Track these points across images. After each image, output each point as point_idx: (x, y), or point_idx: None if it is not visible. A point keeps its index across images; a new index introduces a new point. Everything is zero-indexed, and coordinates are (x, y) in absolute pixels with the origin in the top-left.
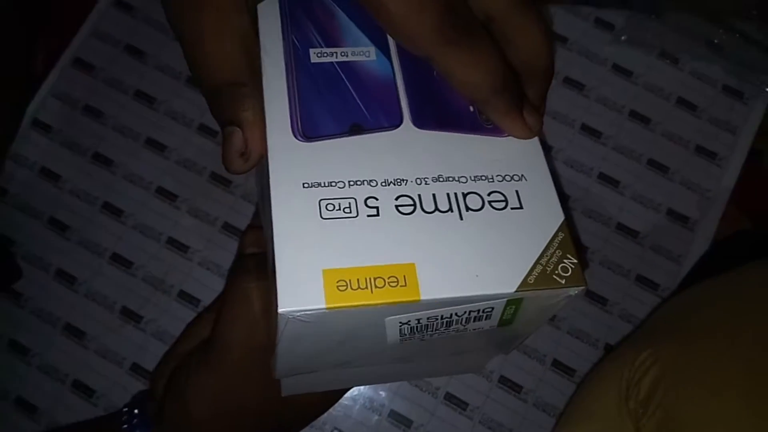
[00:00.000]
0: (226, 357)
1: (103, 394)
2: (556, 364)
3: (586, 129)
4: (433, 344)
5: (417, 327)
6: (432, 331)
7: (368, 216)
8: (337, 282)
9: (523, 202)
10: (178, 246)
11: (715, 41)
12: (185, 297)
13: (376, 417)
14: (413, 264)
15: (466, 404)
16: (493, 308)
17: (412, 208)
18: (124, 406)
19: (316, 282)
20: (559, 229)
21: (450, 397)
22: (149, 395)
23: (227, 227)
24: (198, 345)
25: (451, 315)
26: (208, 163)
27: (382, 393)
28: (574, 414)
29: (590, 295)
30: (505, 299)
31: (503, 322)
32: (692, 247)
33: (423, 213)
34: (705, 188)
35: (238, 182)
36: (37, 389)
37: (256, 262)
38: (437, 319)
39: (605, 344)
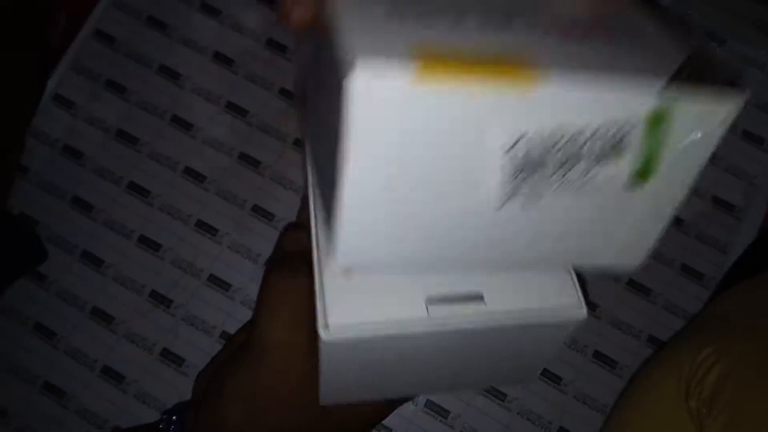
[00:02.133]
0: (265, 358)
1: (134, 380)
2: (598, 355)
3: None
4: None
5: (530, 155)
6: (549, 169)
7: None
8: (429, 60)
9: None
10: (207, 228)
11: (763, 25)
12: (215, 281)
13: (413, 407)
14: (532, 55)
15: (504, 395)
16: (630, 132)
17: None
18: (164, 413)
19: (401, 57)
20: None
21: (488, 388)
22: (189, 404)
23: (257, 210)
24: (237, 349)
25: (578, 134)
26: (237, 143)
27: None
28: (629, 413)
29: (633, 284)
30: (648, 107)
31: (639, 174)
32: (738, 235)
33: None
34: (751, 174)
35: (268, 163)
36: (65, 374)
37: (296, 259)
38: (560, 141)
39: (648, 336)
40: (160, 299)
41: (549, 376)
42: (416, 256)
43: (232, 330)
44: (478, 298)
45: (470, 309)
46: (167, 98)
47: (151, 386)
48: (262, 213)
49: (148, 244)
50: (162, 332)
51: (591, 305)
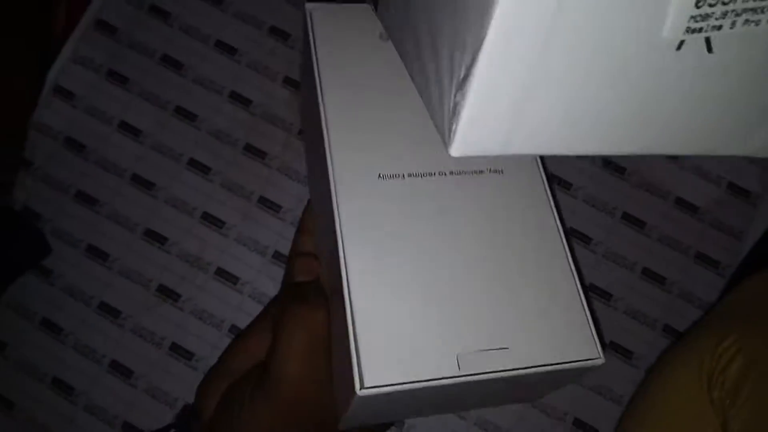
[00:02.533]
0: (283, 390)
1: (143, 375)
2: (613, 346)
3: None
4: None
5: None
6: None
7: None
8: None
9: None
10: (213, 221)
11: None
12: (223, 274)
13: None
14: None
15: None
16: None
17: None
18: (169, 426)
19: None
20: None
21: None
22: (195, 412)
23: (263, 201)
24: (251, 370)
25: None
26: (242, 133)
27: None
28: (649, 405)
29: (647, 273)
30: None
31: None
32: (754, 222)
33: None
34: None
35: (274, 154)
36: (73, 370)
37: (312, 291)
38: None
39: (664, 325)
40: (167, 293)
41: None
42: (554, 126)
43: (241, 324)
44: (504, 351)
45: (498, 363)
46: (170, 88)
47: (160, 381)
48: (268, 204)
49: (154, 237)
50: (170, 326)
51: (605, 295)
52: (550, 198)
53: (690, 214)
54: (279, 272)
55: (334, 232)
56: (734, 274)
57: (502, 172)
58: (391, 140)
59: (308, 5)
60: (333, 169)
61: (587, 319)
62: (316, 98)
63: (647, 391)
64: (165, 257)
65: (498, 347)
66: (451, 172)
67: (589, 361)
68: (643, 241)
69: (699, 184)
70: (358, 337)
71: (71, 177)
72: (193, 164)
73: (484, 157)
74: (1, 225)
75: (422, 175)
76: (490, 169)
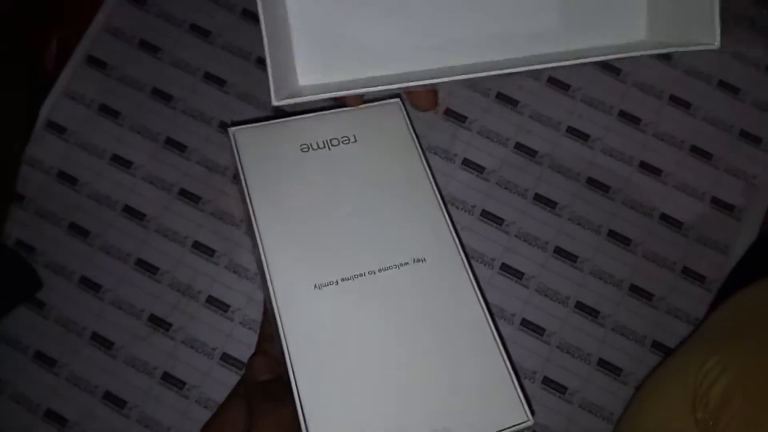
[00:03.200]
0: None
1: (135, 405)
2: (602, 363)
3: (624, 116)
4: None
5: None
6: None
7: None
8: None
9: None
10: (203, 250)
11: (756, 23)
12: (214, 302)
13: None
14: None
15: None
16: None
17: None
18: None
19: None
20: None
21: None
22: None
23: None
24: None
25: None
26: (231, 162)
27: None
28: (637, 423)
29: (635, 290)
30: None
31: None
32: (739, 237)
33: None
34: (751, 174)
35: None
36: (66, 401)
37: (276, 386)
38: None
39: (653, 341)
40: (158, 323)
41: (554, 386)
42: None
43: (232, 351)
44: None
45: None
46: (161, 120)
47: (153, 410)
48: None
49: (146, 267)
50: (162, 356)
51: (593, 313)
52: (470, 275)
53: (675, 230)
54: None
55: (280, 343)
56: (721, 288)
57: (425, 260)
58: (321, 249)
59: (231, 129)
60: (272, 284)
61: (514, 386)
62: (249, 217)
63: (636, 410)
64: (156, 287)
65: (435, 430)
66: (380, 269)
67: (520, 425)
68: (629, 258)
69: (683, 199)
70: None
71: (64, 210)
72: (184, 194)
73: (409, 248)
74: None
75: (354, 278)
76: (413, 259)
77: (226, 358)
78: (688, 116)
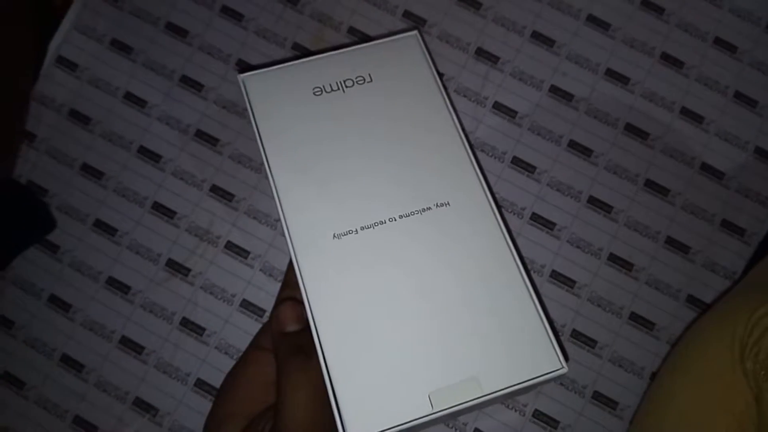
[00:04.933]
0: None
1: (153, 351)
2: (634, 317)
3: (667, 59)
4: None
5: None
6: None
7: None
8: None
9: None
10: (222, 194)
11: None
12: (233, 248)
13: None
14: None
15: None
16: None
17: None
18: None
19: None
20: None
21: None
22: None
23: None
24: (258, 417)
25: None
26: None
27: None
28: (677, 376)
29: (671, 242)
30: None
31: None
32: None
33: None
34: None
35: None
36: (82, 346)
37: (304, 338)
38: None
39: (687, 295)
40: (177, 267)
41: (583, 339)
42: None
43: (252, 298)
44: (474, 381)
45: (467, 394)
46: (175, 57)
47: (171, 356)
48: None
49: (162, 211)
50: (181, 301)
51: (626, 265)
52: (498, 219)
53: (716, 180)
54: None
55: (302, 294)
56: (761, 242)
57: (449, 204)
58: (339, 196)
59: (240, 75)
60: (290, 235)
61: (547, 334)
62: (264, 164)
63: (675, 363)
64: (174, 231)
65: (466, 378)
66: (401, 216)
67: (554, 372)
68: (666, 209)
69: (725, 148)
70: (336, 392)
71: (76, 150)
72: (200, 135)
73: (432, 192)
74: (4, 198)
75: (373, 226)
76: (436, 204)
77: (246, 305)
78: (734, 60)
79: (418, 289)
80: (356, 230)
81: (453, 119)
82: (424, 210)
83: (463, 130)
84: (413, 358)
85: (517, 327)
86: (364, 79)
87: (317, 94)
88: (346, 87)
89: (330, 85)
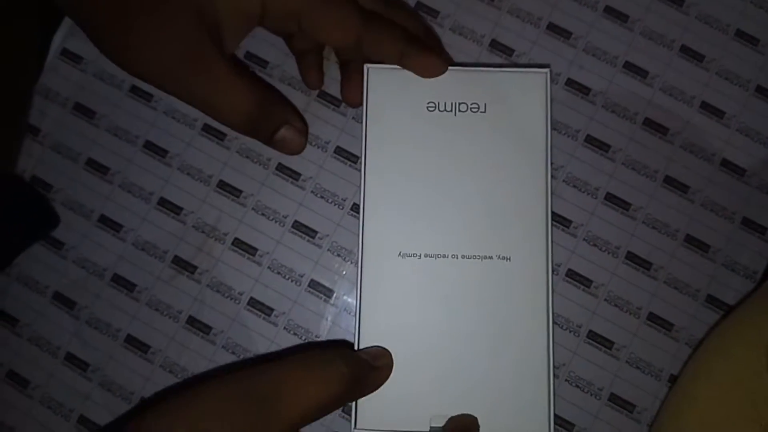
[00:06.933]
0: None
1: (159, 350)
2: (653, 317)
3: (686, 51)
4: None
5: None
6: None
7: None
8: None
9: None
10: (229, 190)
11: None
12: (241, 245)
13: None
14: None
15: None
16: None
17: None
18: None
19: None
20: None
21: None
22: None
23: (282, 168)
24: None
25: None
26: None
27: None
28: (700, 382)
29: (690, 240)
30: None
31: None
32: None
33: None
34: None
35: None
36: (87, 345)
37: None
38: None
39: (707, 295)
40: (183, 265)
41: (600, 340)
42: None
43: (260, 297)
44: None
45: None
46: None
47: (177, 355)
48: (287, 172)
49: (168, 207)
50: (187, 299)
51: (645, 264)
52: (549, 283)
53: (737, 176)
54: (299, 243)
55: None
56: None
57: (509, 260)
58: (417, 218)
59: (367, 65)
60: (363, 239)
61: (548, 402)
62: (361, 161)
63: (697, 368)
64: (180, 228)
65: (465, 414)
66: (463, 256)
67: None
68: (686, 206)
69: (746, 144)
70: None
71: (81, 144)
72: (208, 130)
73: (499, 242)
74: (6, 194)
75: (436, 257)
76: (498, 256)
77: (254, 303)
78: (756, 53)
79: (453, 324)
80: (420, 255)
81: (547, 173)
82: (485, 257)
83: (551, 182)
84: (430, 381)
85: (526, 390)
86: (478, 108)
87: (431, 109)
88: (459, 111)
89: (444, 104)
